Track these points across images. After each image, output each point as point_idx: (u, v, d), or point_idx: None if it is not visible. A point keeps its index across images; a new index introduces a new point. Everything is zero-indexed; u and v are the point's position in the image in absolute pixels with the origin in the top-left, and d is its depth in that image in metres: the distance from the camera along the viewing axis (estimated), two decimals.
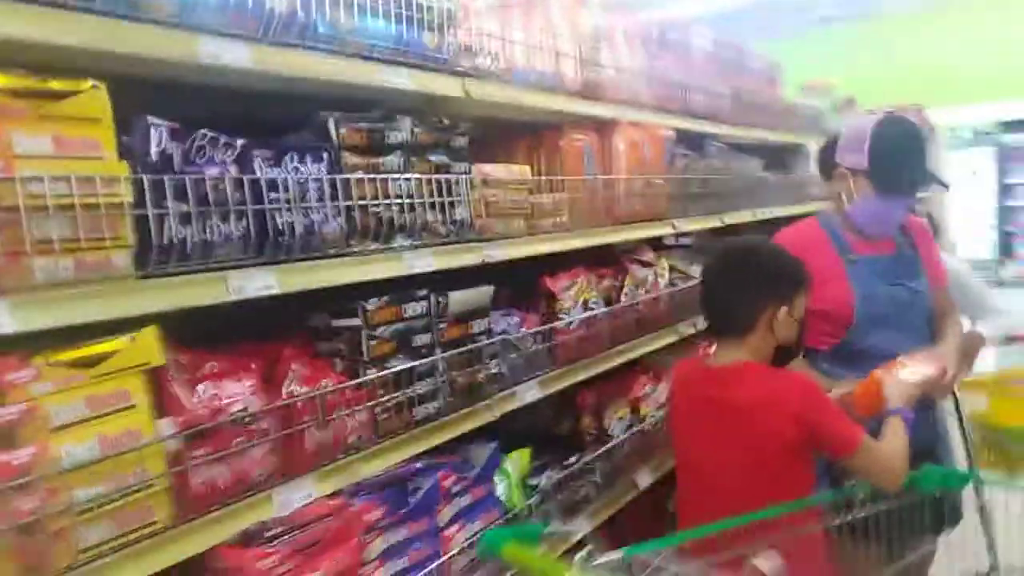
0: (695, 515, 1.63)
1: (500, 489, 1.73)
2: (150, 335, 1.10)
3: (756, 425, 1.56)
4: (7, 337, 0.95)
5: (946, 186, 1.93)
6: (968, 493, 1.86)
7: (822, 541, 1.55)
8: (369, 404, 1.40)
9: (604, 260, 2.39)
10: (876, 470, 1.53)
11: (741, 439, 1.58)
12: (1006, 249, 9.85)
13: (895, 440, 1.55)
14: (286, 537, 1.23)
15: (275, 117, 1.42)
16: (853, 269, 1.88)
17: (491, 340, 1.72)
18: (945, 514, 1.88)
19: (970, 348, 2.12)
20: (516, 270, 1.92)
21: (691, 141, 2.77)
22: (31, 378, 0.98)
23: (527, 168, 1.93)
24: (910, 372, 1.68)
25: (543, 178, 1.96)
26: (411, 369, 1.50)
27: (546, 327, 1.93)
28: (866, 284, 1.88)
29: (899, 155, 1.80)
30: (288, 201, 1.26)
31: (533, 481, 1.88)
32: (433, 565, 1.48)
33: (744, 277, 1.61)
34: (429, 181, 1.55)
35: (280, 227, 1.24)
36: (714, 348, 1.67)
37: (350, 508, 1.33)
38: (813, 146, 4.17)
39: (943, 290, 2.04)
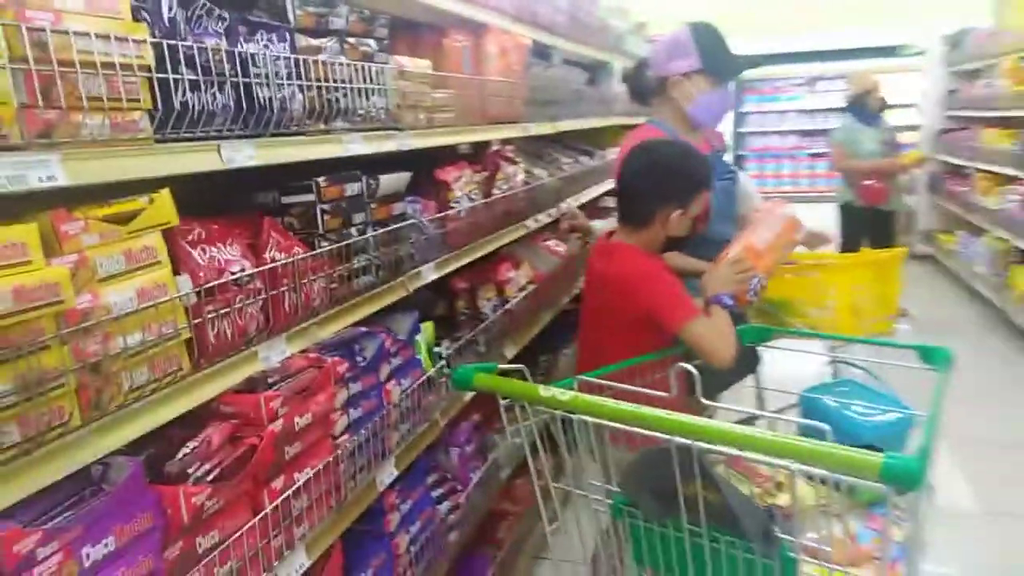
0: (581, 362, 1.99)
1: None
2: (166, 196, 1.15)
3: (614, 297, 1.86)
4: (43, 192, 0.98)
5: (760, 63, 2.35)
6: None
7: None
8: (333, 272, 1.54)
9: (473, 156, 2.62)
10: (701, 347, 1.71)
11: (604, 307, 1.91)
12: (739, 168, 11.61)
13: (717, 323, 1.75)
14: (283, 384, 1.36)
15: None
16: None
17: (408, 222, 1.90)
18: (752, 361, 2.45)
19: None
20: (406, 159, 2.08)
21: (538, 51, 3.04)
22: (80, 230, 1.02)
23: (429, 63, 2.07)
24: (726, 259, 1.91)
25: (442, 74, 2.12)
26: (349, 244, 1.65)
27: (444, 214, 2.13)
28: None
29: (721, 46, 2.21)
30: (266, 76, 1.33)
31: (436, 350, 2.13)
32: (379, 414, 1.69)
33: (650, 176, 1.84)
34: (364, 68, 1.66)
35: (262, 101, 1.32)
36: (617, 228, 1.94)
37: (326, 361, 1.48)
38: (617, 64, 4.64)
39: None
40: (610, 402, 1.33)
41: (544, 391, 1.36)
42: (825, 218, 4.91)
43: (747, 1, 11.45)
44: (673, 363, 1.61)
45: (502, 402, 1.46)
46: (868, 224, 5.11)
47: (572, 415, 1.40)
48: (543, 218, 3.06)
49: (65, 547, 0.93)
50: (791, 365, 2.25)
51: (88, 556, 0.97)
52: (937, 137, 7.73)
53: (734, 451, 1.37)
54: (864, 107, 5.15)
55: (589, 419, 1.39)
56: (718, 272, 1.83)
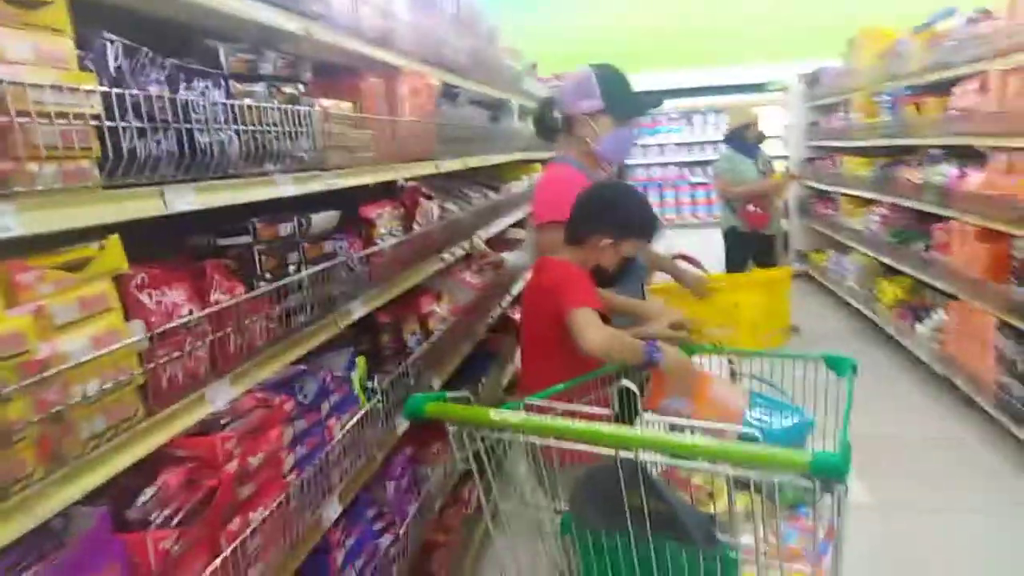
0: (524, 386, 2.08)
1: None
2: (116, 242, 1.15)
3: (544, 305, 1.97)
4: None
5: (661, 103, 2.54)
6: None
7: None
8: (271, 312, 1.55)
9: (389, 193, 2.67)
10: (576, 332, 1.82)
11: (538, 320, 2.03)
12: None
13: (618, 334, 1.87)
14: (235, 424, 1.36)
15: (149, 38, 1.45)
16: None
17: (339, 260, 1.93)
18: None
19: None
20: (328, 198, 2.12)
21: (446, 92, 3.14)
22: (36, 280, 1.01)
23: (351, 105, 2.13)
24: None
25: (363, 115, 2.17)
26: (286, 284, 1.67)
27: (372, 250, 2.17)
28: None
29: (624, 87, 2.37)
30: (205, 122, 1.35)
31: (369, 384, 2.15)
32: (324, 450, 1.70)
33: (599, 203, 2.02)
34: (292, 111, 1.70)
35: (203, 147, 1.34)
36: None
37: (272, 401, 1.49)
38: (515, 102, 4.83)
39: None
40: (557, 421, 1.41)
41: (495, 414, 1.43)
42: (708, 243, 5.27)
43: (626, 39, 12.11)
44: (613, 381, 1.71)
45: (450, 429, 1.51)
46: (752, 247, 5.48)
47: (520, 438, 1.47)
48: (458, 251, 3.14)
49: None
50: None
51: None
52: (803, 165, 8.42)
53: (677, 461, 1.48)
54: (744, 139, 5.55)
55: (537, 440, 1.47)
56: (678, 360, 1.85)
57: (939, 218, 4.77)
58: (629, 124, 2.40)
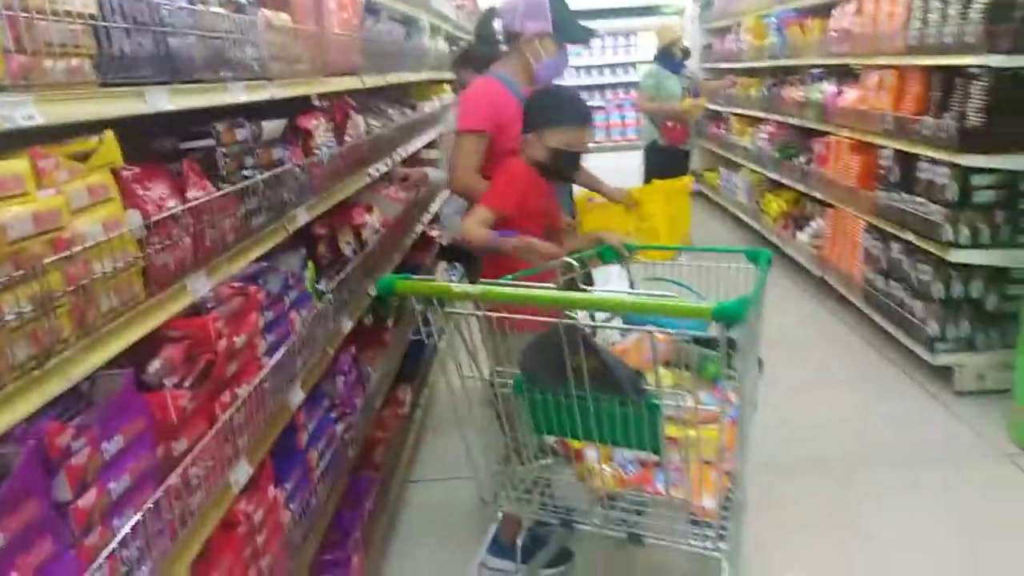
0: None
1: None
2: (111, 138, 1.25)
3: None
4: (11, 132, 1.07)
5: (596, 35, 2.74)
6: None
7: None
8: (237, 211, 1.67)
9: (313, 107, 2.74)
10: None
11: None
12: None
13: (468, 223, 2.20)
14: (220, 308, 1.50)
15: None
16: None
17: (288, 166, 2.04)
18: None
19: None
20: (263, 109, 2.19)
21: (368, 7, 3.18)
22: (54, 167, 1.11)
23: (288, 18, 2.18)
24: None
25: (299, 27, 2.24)
26: (250, 185, 1.78)
27: (312, 159, 2.27)
28: None
29: (571, 15, 2.56)
30: (175, 26, 1.43)
31: (318, 287, 2.29)
32: (289, 340, 1.86)
33: (527, 108, 2.28)
34: (241, 20, 1.77)
35: (174, 50, 1.42)
36: None
37: (247, 290, 1.63)
38: (425, 20, 4.85)
39: None
40: (510, 288, 1.64)
41: (456, 288, 1.64)
42: (619, 164, 5.56)
43: None
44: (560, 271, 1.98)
45: (417, 307, 1.71)
46: (669, 162, 5.68)
47: (478, 312, 1.69)
48: (382, 167, 3.25)
49: (91, 442, 1.06)
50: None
51: (106, 451, 1.10)
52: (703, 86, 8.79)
53: (609, 325, 1.75)
54: (670, 56, 5.77)
55: (493, 315, 1.69)
56: (538, 247, 2.10)
57: (819, 133, 5.23)
58: (565, 49, 2.59)
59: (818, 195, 5.20)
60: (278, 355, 1.75)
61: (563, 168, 2.28)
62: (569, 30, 2.56)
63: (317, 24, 2.55)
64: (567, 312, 1.72)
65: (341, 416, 2.35)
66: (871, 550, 2.58)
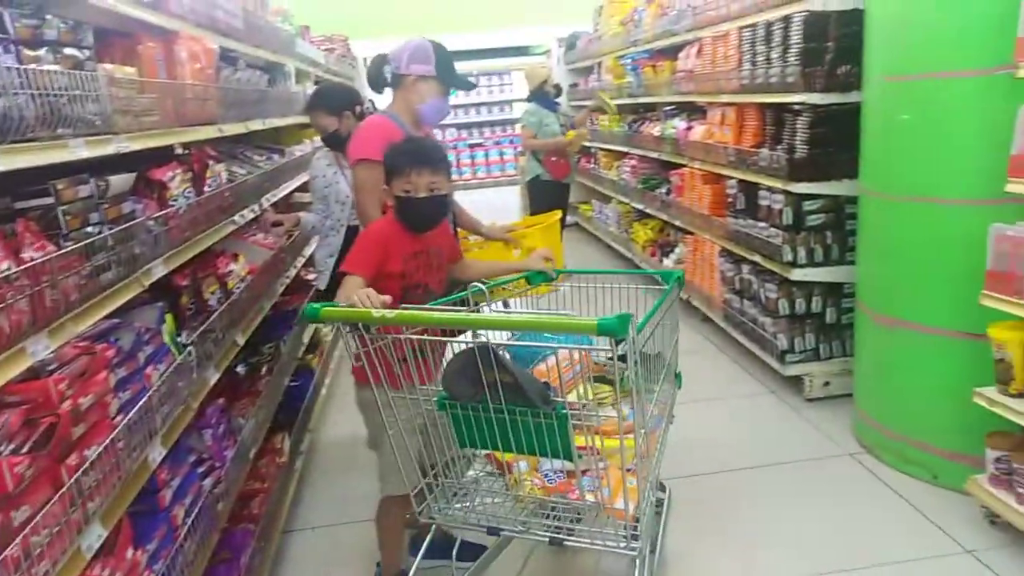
0: None
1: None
2: None
3: None
4: None
5: (474, 86, 2.91)
6: None
7: None
8: (82, 268, 1.64)
9: (174, 158, 2.71)
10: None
11: None
12: None
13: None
14: (64, 369, 1.47)
15: None
16: None
17: (139, 220, 2.01)
18: None
19: None
20: (114, 163, 2.17)
21: (223, 56, 3.18)
22: None
23: (135, 71, 2.17)
24: None
25: (147, 80, 2.22)
26: (94, 241, 1.75)
27: (169, 210, 2.25)
28: None
29: (451, 63, 2.72)
30: (2, 87, 1.41)
31: (179, 339, 2.25)
32: (145, 395, 1.82)
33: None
34: (80, 76, 1.76)
35: (6, 110, 1.40)
36: None
37: (94, 348, 1.60)
38: (291, 66, 4.86)
39: None
40: (423, 312, 1.80)
41: (376, 313, 1.79)
42: (496, 200, 5.72)
43: (392, 2, 12.18)
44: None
45: (344, 331, 1.88)
46: (553, 196, 5.88)
47: (402, 335, 1.86)
48: (248, 214, 3.23)
49: None
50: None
51: None
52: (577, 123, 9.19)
53: (517, 343, 1.92)
54: (545, 95, 6.00)
55: (413, 336, 1.86)
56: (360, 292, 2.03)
57: (675, 165, 5.60)
58: (447, 95, 2.75)
59: (678, 223, 5.55)
60: (132, 413, 1.72)
61: (416, 215, 2.25)
62: (450, 77, 2.74)
63: (169, 76, 2.54)
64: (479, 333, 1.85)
65: (209, 470, 2.30)
66: (738, 547, 2.77)
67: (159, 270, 2.21)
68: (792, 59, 3.66)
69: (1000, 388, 2.61)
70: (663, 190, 5.92)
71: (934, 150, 2.87)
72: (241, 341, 2.83)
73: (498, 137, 14.42)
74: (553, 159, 5.91)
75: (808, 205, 3.82)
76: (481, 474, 2.16)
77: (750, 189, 4.31)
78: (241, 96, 3.29)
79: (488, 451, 2.05)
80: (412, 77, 2.68)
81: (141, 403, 1.77)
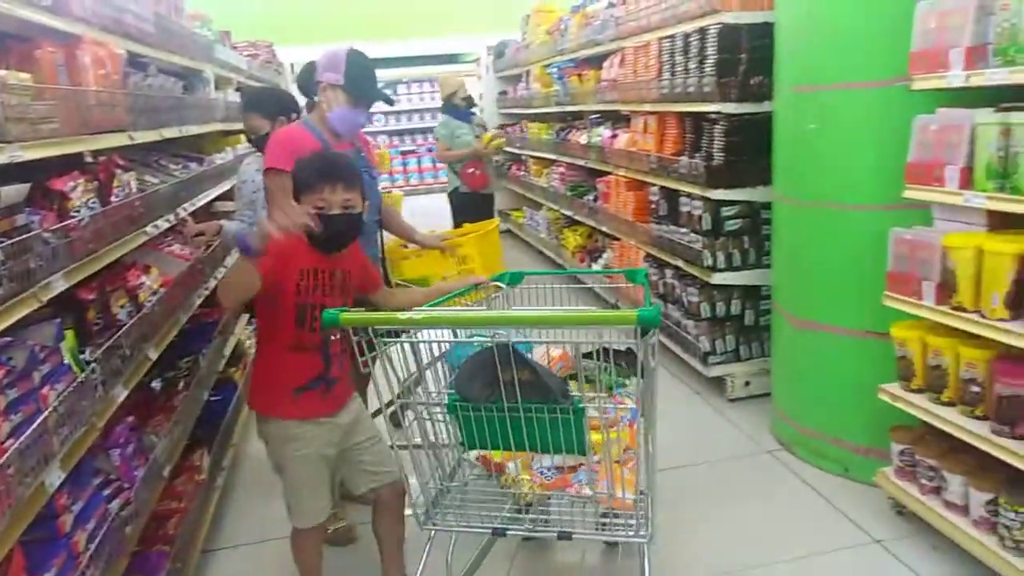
0: None
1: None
2: None
3: None
4: None
5: (392, 102, 2.86)
6: None
7: None
8: None
9: (80, 165, 2.59)
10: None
11: None
12: None
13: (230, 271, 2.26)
14: None
15: None
16: None
17: (33, 233, 1.92)
18: None
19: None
20: (16, 172, 2.07)
21: (133, 62, 3.07)
22: None
23: (29, 76, 2.07)
24: None
25: (44, 86, 2.12)
26: None
27: (67, 222, 2.15)
28: None
29: (367, 74, 2.66)
30: None
31: (82, 356, 2.15)
32: (40, 417, 1.73)
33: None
34: None
35: None
36: None
37: None
38: (210, 72, 4.73)
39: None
40: (451, 312, 1.88)
41: (401, 315, 1.82)
42: (431, 206, 5.69)
43: (320, 8, 12.04)
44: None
45: (354, 339, 1.88)
46: (475, 207, 5.85)
47: (413, 339, 1.92)
48: (162, 224, 3.12)
49: None
50: None
51: None
52: (498, 131, 9.25)
53: (538, 340, 2.14)
54: (456, 105, 5.99)
55: (433, 340, 1.95)
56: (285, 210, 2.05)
57: (601, 173, 5.69)
58: (362, 106, 2.68)
59: (605, 229, 5.63)
60: (24, 436, 1.63)
61: (328, 233, 2.10)
62: (360, 88, 2.65)
63: (71, 82, 2.44)
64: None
65: (117, 492, 2.20)
66: (663, 545, 2.81)
67: (59, 284, 2.10)
68: (708, 70, 3.77)
69: (902, 384, 2.74)
70: (591, 197, 6.00)
71: (838, 158, 3.00)
72: (154, 356, 2.73)
73: (431, 144, 14.37)
74: (470, 170, 5.86)
75: (726, 211, 3.94)
76: (470, 477, 2.20)
77: (672, 196, 4.41)
78: (154, 103, 3.18)
79: (484, 453, 2.09)
80: (323, 84, 2.65)
81: (35, 426, 1.68)
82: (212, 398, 3.68)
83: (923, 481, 2.68)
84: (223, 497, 3.38)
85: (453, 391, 2.01)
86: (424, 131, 14.32)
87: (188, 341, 3.41)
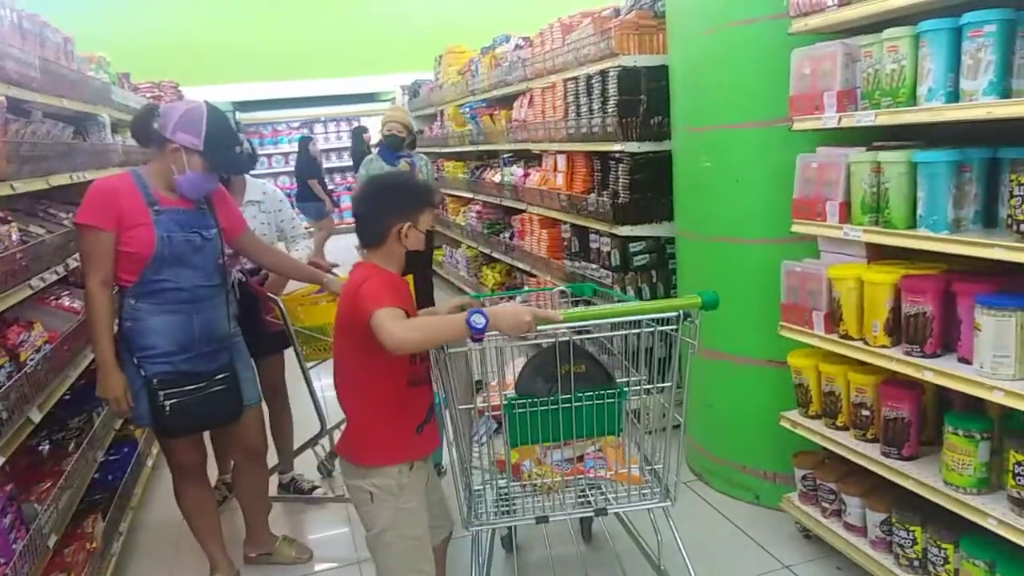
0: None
1: None
2: None
3: (346, 310, 2.03)
4: None
5: (253, 167, 2.80)
6: None
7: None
8: None
9: None
10: (379, 332, 1.83)
11: (342, 324, 2.08)
12: None
13: (417, 321, 1.96)
14: None
15: None
16: (158, 218, 2.44)
17: None
18: None
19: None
20: None
21: (13, 107, 2.93)
22: None
23: None
24: None
25: None
26: None
27: None
28: (167, 229, 2.44)
29: (226, 142, 2.52)
30: None
31: None
32: None
33: (376, 201, 2.03)
34: None
35: None
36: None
37: None
38: (106, 116, 4.57)
39: (249, 232, 2.83)
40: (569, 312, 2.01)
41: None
42: (353, 244, 5.47)
43: (232, 48, 11.87)
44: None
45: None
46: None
47: (477, 346, 1.98)
48: (50, 276, 2.96)
49: None
50: None
51: None
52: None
53: (597, 333, 2.32)
54: (389, 145, 5.66)
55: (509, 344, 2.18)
56: (512, 309, 1.91)
57: (516, 211, 5.75)
58: (214, 172, 2.53)
59: (522, 266, 5.68)
60: None
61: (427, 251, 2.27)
62: (220, 156, 2.50)
63: None
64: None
65: None
66: None
67: None
68: (611, 110, 3.88)
69: (801, 411, 2.84)
70: (507, 235, 6.05)
71: (732, 194, 3.12)
72: (37, 418, 2.56)
73: (350, 183, 14.27)
74: None
75: (633, 247, 4.03)
76: (490, 481, 2.41)
77: (582, 233, 4.49)
78: (39, 150, 3.04)
79: (500, 456, 2.36)
80: (175, 145, 2.44)
81: None
82: (110, 457, 3.49)
83: (824, 504, 2.77)
84: (119, 567, 3.17)
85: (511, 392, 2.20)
86: (342, 170, 14.23)
87: (81, 399, 3.23)
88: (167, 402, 2.51)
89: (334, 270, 3.48)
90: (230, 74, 10.79)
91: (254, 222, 3.27)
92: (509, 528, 2.92)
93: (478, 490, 2.40)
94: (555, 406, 2.12)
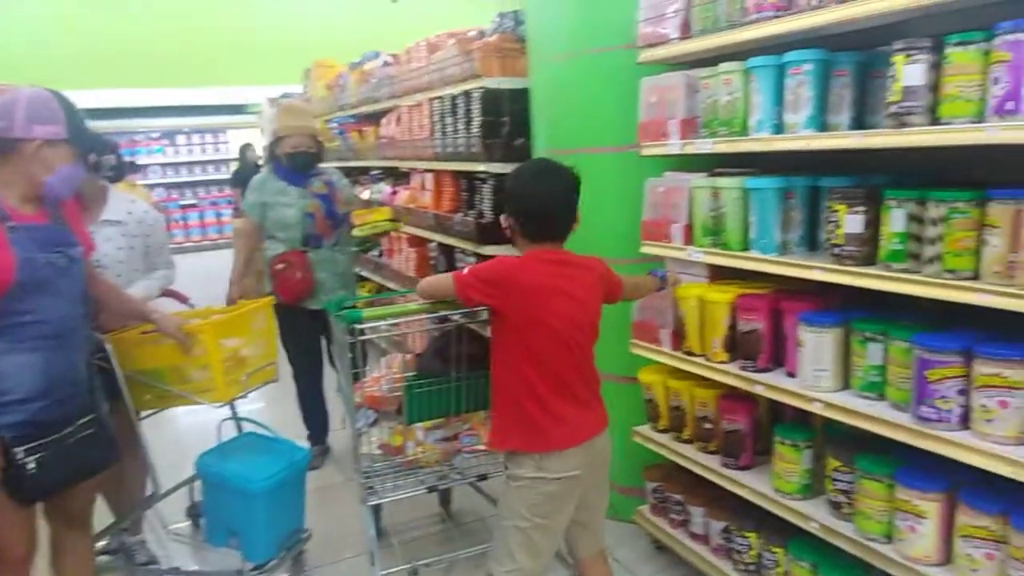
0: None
1: None
2: None
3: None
4: None
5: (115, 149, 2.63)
6: None
7: None
8: None
9: None
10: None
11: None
12: None
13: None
14: None
15: None
16: (14, 236, 1.99)
17: None
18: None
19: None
20: None
21: None
22: None
23: None
24: None
25: None
26: None
27: None
28: (27, 250, 2.00)
29: (82, 119, 2.14)
30: None
31: None
32: None
33: (576, 194, 2.23)
34: None
35: None
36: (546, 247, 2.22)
37: None
38: None
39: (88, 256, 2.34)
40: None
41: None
42: (215, 267, 5.10)
43: (95, 52, 11.11)
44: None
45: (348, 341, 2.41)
46: (288, 324, 4.22)
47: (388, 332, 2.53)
48: None
49: None
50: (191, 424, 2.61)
51: None
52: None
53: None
54: (295, 166, 4.88)
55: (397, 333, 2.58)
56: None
57: None
58: (79, 160, 2.17)
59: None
60: None
61: None
62: (85, 136, 2.18)
63: None
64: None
65: None
66: None
67: None
68: (475, 131, 3.91)
69: (652, 425, 2.94)
70: (376, 252, 5.95)
71: (589, 215, 3.18)
72: None
73: (214, 197, 13.64)
74: (279, 266, 3.82)
75: None
76: (377, 462, 2.83)
77: (449, 252, 4.49)
78: None
79: (385, 440, 2.84)
80: (36, 142, 2.04)
81: None
82: None
83: (672, 515, 2.87)
84: None
85: (411, 374, 2.55)
86: (207, 183, 13.58)
87: None
88: (28, 459, 2.07)
89: (189, 301, 3.21)
90: (82, 79, 10.08)
91: (107, 245, 2.82)
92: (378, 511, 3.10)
93: (367, 471, 2.77)
94: (446, 385, 2.46)
